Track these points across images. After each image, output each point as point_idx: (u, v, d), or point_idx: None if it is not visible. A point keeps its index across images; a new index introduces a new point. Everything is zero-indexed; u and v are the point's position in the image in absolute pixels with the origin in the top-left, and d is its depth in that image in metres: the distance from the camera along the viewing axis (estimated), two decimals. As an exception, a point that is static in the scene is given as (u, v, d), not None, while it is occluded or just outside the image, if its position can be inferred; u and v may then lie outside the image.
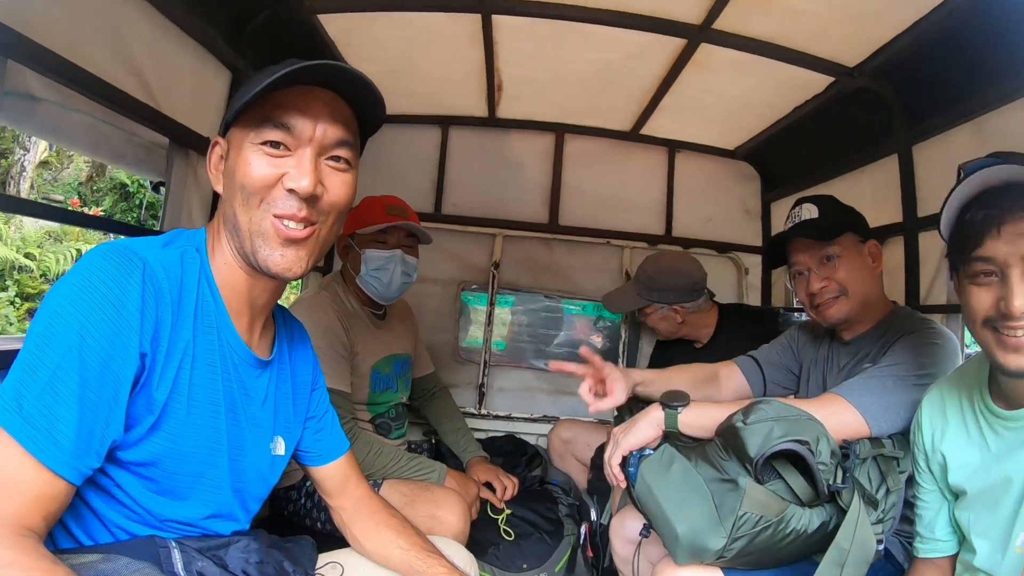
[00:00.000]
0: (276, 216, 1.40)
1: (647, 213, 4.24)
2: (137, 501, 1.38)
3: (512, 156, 4.20)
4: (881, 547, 1.92)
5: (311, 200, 1.42)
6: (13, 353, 1.30)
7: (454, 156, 4.16)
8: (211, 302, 1.49)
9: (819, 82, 3.02)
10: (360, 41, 3.01)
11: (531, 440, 3.70)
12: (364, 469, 2.50)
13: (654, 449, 1.99)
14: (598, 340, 4.32)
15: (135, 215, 14.11)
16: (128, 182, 14.20)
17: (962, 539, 1.80)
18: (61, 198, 11.87)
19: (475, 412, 4.03)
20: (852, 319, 2.22)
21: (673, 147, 4.22)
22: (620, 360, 4.13)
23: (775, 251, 2.35)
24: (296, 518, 2.60)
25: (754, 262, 4.22)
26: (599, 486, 3.06)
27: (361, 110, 1.52)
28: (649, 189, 4.26)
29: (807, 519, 1.78)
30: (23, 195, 10.14)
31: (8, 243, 6.77)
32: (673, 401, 2.06)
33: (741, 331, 3.26)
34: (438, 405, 3.42)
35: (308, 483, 2.59)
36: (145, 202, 14.05)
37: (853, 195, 2.54)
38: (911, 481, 1.92)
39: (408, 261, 2.87)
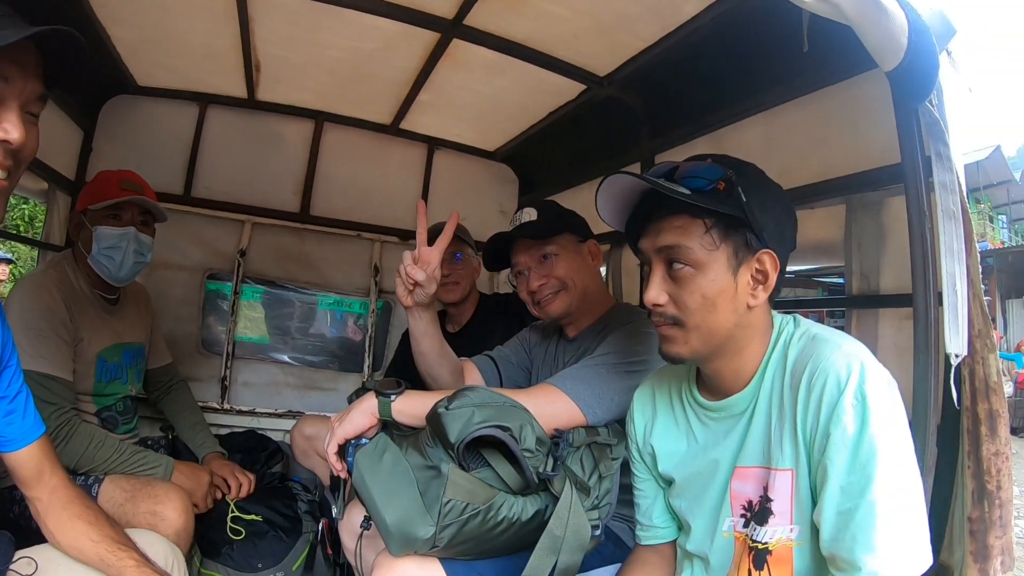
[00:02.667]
0: None
1: (402, 208, 4.25)
2: None
3: (269, 141, 4.09)
4: (599, 532, 1.96)
5: (14, 152, 1.42)
6: None
7: (210, 137, 3.97)
8: None
9: (572, 89, 3.12)
10: (115, 3, 2.78)
11: (276, 436, 3.60)
12: (85, 463, 2.42)
13: (371, 439, 1.98)
14: (351, 333, 4.29)
15: None
16: None
17: (680, 526, 1.88)
18: None
19: (218, 407, 3.88)
20: (573, 313, 2.31)
21: (433, 144, 4.28)
22: (368, 353, 4.14)
23: (500, 253, 2.43)
24: (21, 520, 2.35)
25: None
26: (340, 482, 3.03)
27: (58, 65, 1.49)
28: (406, 184, 4.28)
29: (519, 507, 1.81)
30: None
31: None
32: (387, 389, 2.06)
33: (496, 322, 3.33)
34: (175, 398, 3.25)
35: None
36: None
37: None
38: (627, 468, 1.99)
39: (142, 240, 2.74)
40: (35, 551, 1.83)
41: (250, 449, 3.36)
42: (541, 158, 4.09)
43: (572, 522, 1.79)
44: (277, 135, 4.08)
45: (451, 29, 2.73)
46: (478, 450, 1.82)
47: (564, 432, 1.98)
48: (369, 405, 2.05)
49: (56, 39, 1.41)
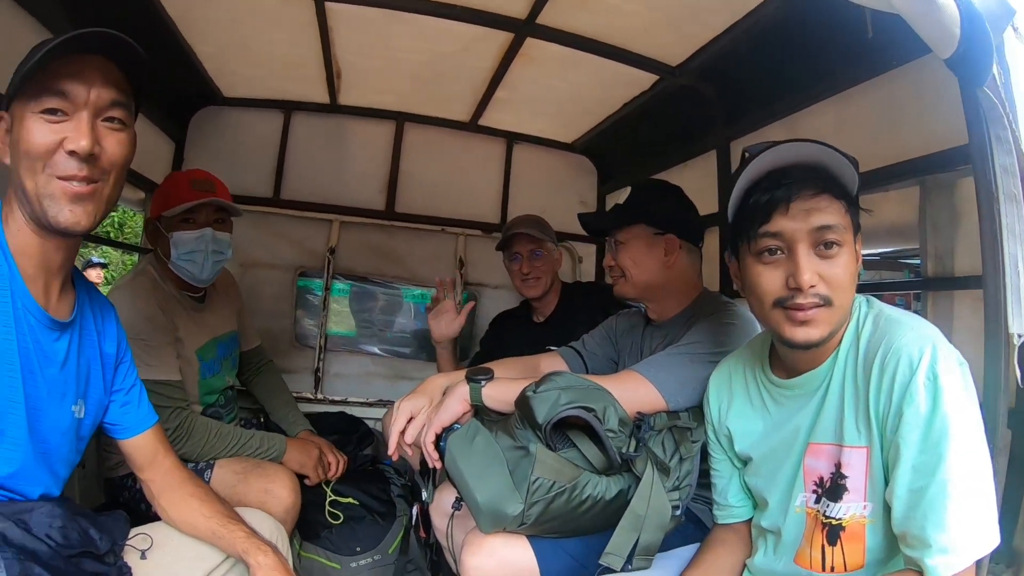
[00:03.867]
0: (60, 178, 1.48)
1: (483, 202, 4.33)
2: None
3: (353, 143, 4.20)
4: (679, 512, 2.00)
5: (91, 159, 1.50)
6: None
7: (295, 141, 4.11)
8: (4, 267, 1.57)
9: (645, 79, 3.14)
10: (199, 20, 2.93)
11: (368, 424, 3.72)
12: (207, 453, 2.58)
13: (463, 425, 2.07)
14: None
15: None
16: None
17: (756, 504, 1.91)
18: None
19: (311, 397, 4.04)
20: (644, 299, 2.43)
21: (512, 138, 4.33)
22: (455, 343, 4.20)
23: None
24: (132, 504, 2.52)
25: (588, 251, 4.40)
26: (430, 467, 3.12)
27: (132, 70, 1.59)
28: (487, 179, 4.35)
29: (603, 487, 1.87)
30: None
31: None
32: (477, 375, 2.14)
33: (580, 310, 3.38)
34: (265, 380, 3.36)
35: None
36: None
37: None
38: (707, 452, 2.04)
39: (220, 238, 2.77)
40: (149, 528, 1.96)
41: (342, 431, 3.46)
42: (618, 148, 4.11)
43: (654, 501, 1.85)
44: (360, 136, 4.19)
45: (524, 29, 2.78)
46: (564, 431, 1.89)
47: (646, 415, 2.03)
48: (461, 391, 2.13)
49: (115, 47, 1.52)
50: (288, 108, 4.05)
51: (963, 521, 1.40)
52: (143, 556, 1.88)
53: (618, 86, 3.27)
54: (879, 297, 1.78)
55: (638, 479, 1.88)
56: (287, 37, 3.10)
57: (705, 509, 2.17)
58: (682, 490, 2.03)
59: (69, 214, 1.52)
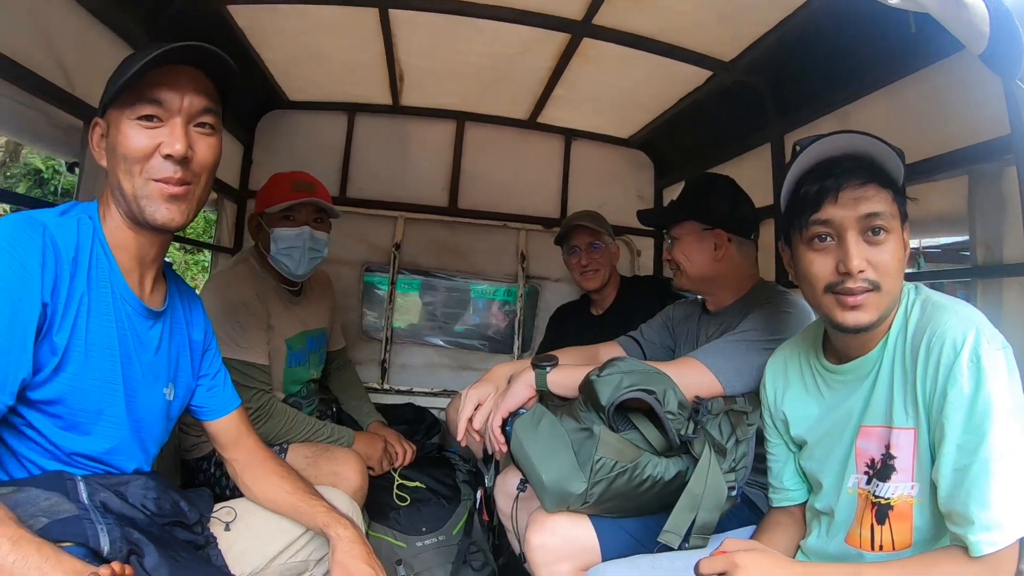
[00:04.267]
0: (156, 180, 1.61)
1: (543, 198, 4.41)
2: (46, 437, 1.55)
3: (415, 142, 4.33)
4: (735, 493, 2.06)
5: (184, 163, 1.62)
6: None
7: (359, 141, 4.27)
8: (104, 260, 1.68)
9: (699, 75, 3.19)
10: (266, 30, 3.09)
11: (434, 414, 3.83)
12: (283, 436, 2.70)
13: (528, 410, 2.15)
14: (499, 318, 4.49)
15: (51, 201, 13.52)
16: (43, 168, 13.76)
17: (811, 488, 1.96)
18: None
19: (378, 387, 4.16)
20: (696, 291, 2.57)
21: (569, 135, 4.41)
22: (516, 336, 4.33)
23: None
24: (210, 484, 2.66)
25: (646, 244, 4.43)
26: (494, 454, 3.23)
27: (220, 79, 1.72)
28: (546, 175, 4.42)
29: (663, 467, 1.94)
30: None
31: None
32: (543, 362, 2.23)
33: (638, 303, 3.43)
34: (342, 376, 3.50)
35: (217, 453, 2.67)
36: (61, 188, 13.64)
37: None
38: (763, 438, 2.09)
39: (317, 237, 2.90)
40: (232, 503, 2.09)
41: (410, 421, 3.61)
42: (674, 143, 4.15)
43: (711, 482, 1.91)
44: (422, 136, 4.33)
45: (580, 29, 2.85)
46: (626, 414, 1.96)
47: (704, 400, 2.09)
48: (527, 377, 2.22)
49: (207, 59, 1.66)
50: (352, 110, 4.20)
51: (1006, 499, 1.44)
52: (227, 528, 2.00)
53: (673, 82, 3.32)
54: (938, 288, 1.82)
55: (696, 460, 1.95)
56: (351, 43, 3.22)
57: (759, 494, 2.22)
58: (738, 472, 2.08)
59: (165, 212, 1.64)
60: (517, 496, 2.29)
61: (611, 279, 3.60)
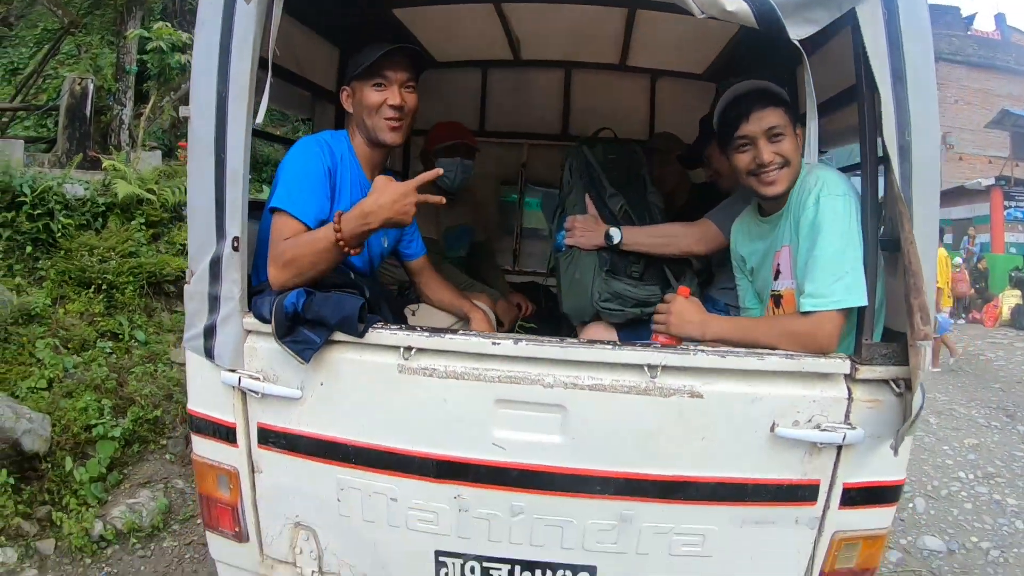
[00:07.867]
0: (385, 119, 2.49)
1: (634, 126, 5.00)
2: None
3: (533, 87, 5.12)
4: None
5: (400, 109, 2.49)
6: (259, 203, 2.49)
7: (492, 88, 5.18)
8: (355, 164, 2.56)
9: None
10: (420, 23, 4.02)
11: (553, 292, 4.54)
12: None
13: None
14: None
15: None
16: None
17: (761, 303, 2.61)
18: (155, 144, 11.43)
19: (510, 269, 5.33)
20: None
21: (655, 74, 5.03)
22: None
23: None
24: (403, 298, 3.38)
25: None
26: None
27: (416, 59, 2.59)
28: (635, 106, 5.13)
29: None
30: (123, 144, 10.42)
31: (132, 182, 7.18)
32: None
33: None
34: (486, 262, 4.68)
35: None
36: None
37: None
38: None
39: (466, 164, 4.00)
40: (414, 305, 3.06)
41: (531, 292, 4.67)
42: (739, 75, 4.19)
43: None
44: (539, 82, 5.12)
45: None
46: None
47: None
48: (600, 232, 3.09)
49: (411, 51, 2.51)
50: (485, 66, 5.09)
51: (825, 279, 2.02)
52: (413, 313, 3.02)
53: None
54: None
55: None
56: (478, 25, 4.15)
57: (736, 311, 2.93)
58: (728, 290, 3.02)
59: (391, 135, 2.51)
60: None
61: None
